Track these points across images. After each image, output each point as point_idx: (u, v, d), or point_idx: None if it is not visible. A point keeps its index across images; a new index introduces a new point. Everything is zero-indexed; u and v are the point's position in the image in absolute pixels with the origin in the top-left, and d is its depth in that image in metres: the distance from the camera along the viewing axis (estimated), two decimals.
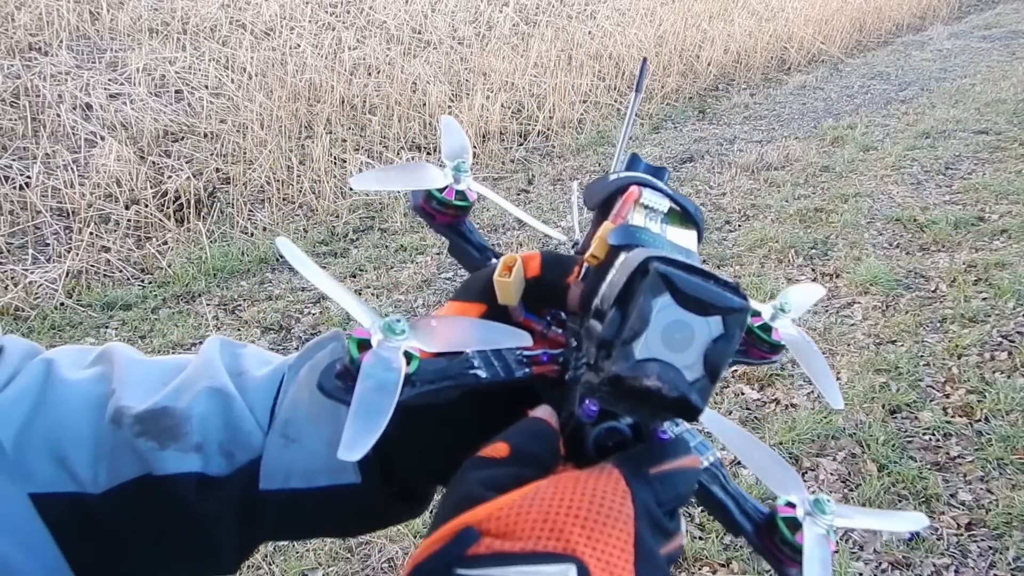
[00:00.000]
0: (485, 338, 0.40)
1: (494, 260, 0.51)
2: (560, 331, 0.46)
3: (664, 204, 0.45)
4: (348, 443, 0.33)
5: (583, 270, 0.44)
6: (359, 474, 0.44)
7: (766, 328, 0.48)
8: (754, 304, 0.49)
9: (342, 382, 0.36)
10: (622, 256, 0.38)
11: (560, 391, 0.41)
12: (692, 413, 0.35)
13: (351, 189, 4.13)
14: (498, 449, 0.36)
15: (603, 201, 0.46)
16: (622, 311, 0.35)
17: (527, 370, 0.42)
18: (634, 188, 0.45)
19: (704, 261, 3.52)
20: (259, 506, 0.44)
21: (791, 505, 0.40)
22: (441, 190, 0.50)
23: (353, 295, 0.39)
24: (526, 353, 0.43)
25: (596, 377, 0.36)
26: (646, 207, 0.44)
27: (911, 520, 0.44)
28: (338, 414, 0.43)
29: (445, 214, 0.51)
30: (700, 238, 0.46)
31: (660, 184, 0.47)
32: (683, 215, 0.45)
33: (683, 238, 0.44)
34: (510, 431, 0.37)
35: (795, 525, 0.39)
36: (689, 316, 0.34)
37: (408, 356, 0.37)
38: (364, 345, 0.36)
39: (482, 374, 0.40)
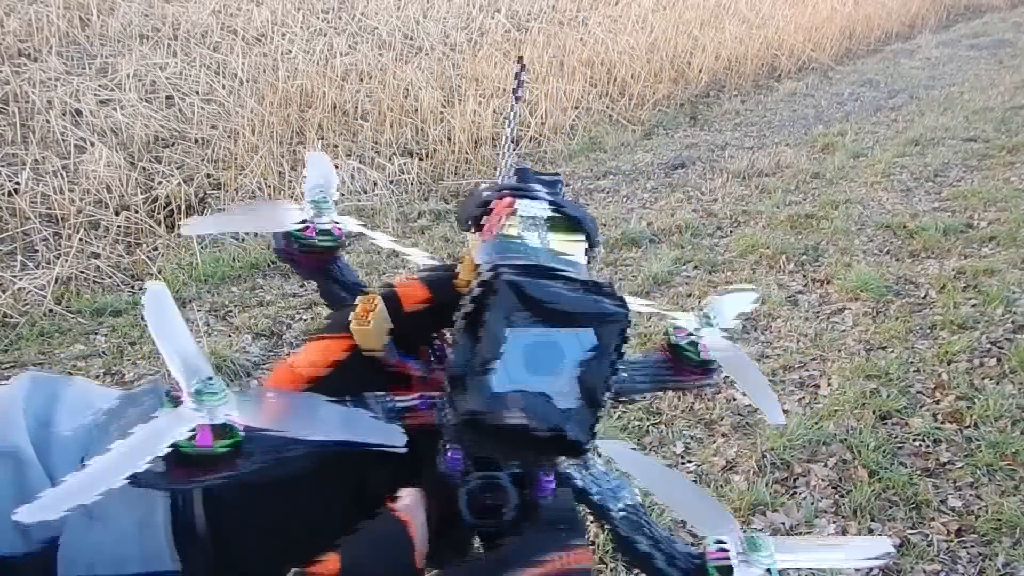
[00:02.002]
0: (340, 426, 0.32)
1: None
2: (443, 370, 0.39)
3: (543, 211, 0.38)
4: (40, 504, 0.27)
5: None
6: (178, 561, 0.37)
7: (693, 344, 0.43)
8: (677, 316, 0.45)
9: (159, 469, 0.29)
10: None
11: (433, 470, 0.35)
12: (574, 450, 0.29)
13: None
14: (328, 567, 0.29)
15: (476, 215, 0.39)
16: (472, 335, 0.29)
17: (397, 423, 0.36)
18: (507, 197, 0.38)
19: (696, 266, 3.55)
20: None
21: (721, 546, 0.35)
22: (301, 229, 0.44)
23: (193, 345, 0.32)
24: (400, 401, 0.36)
25: (454, 419, 0.30)
26: (522, 217, 0.38)
27: (871, 549, 0.37)
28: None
29: (309, 256, 0.44)
30: (592, 246, 0.40)
31: (538, 189, 0.40)
32: (568, 223, 0.39)
33: (568, 247, 0.38)
34: (352, 539, 0.31)
35: (729, 571, 0.34)
36: (553, 332, 0.29)
37: (225, 429, 0.30)
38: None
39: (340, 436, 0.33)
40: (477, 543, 0.37)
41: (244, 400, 0.31)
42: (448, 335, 0.40)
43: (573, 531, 0.31)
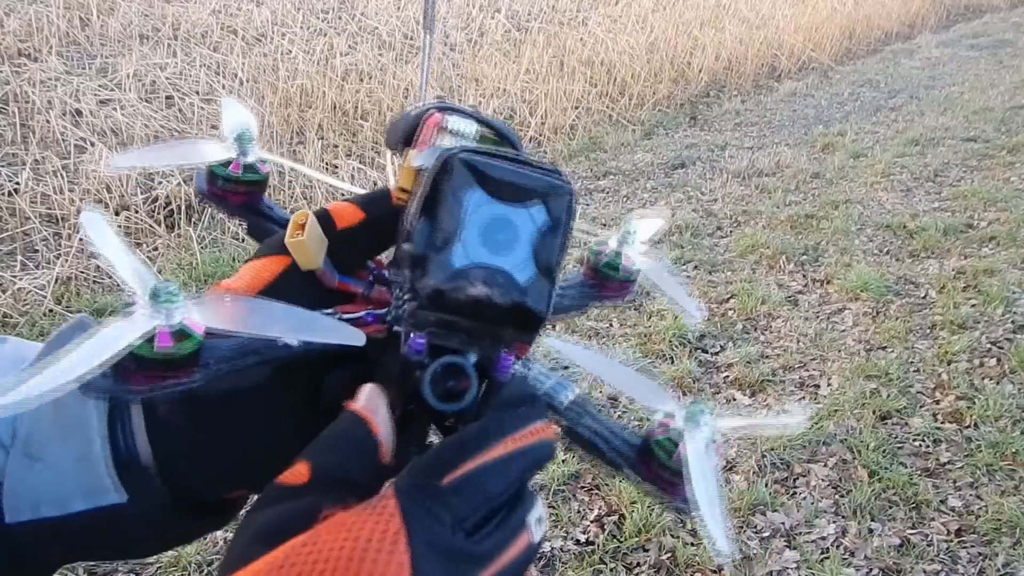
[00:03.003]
0: (296, 326, 0.32)
1: None
2: (385, 289, 0.40)
3: (472, 127, 0.39)
4: (14, 391, 0.27)
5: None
6: (123, 492, 0.36)
7: (613, 265, 0.45)
8: (597, 235, 0.47)
9: (115, 377, 0.29)
10: None
11: (391, 362, 0.35)
12: (532, 320, 0.31)
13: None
14: (298, 473, 0.29)
15: (405, 136, 0.40)
16: (430, 217, 0.30)
17: None
18: (436, 113, 0.39)
19: (696, 266, 3.55)
20: (11, 542, 0.36)
21: (667, 419, 0.36)
22: (225, 166, 0.44)
23: (132, 258, 0.32)
24: (346, 316, 0.37)
25: (417, 303, 0.31)
26: (452, 132, 0.39)
27: (791, 418, 0.39)
28: (89, 423, 0.36)
29: (236, 193, 0.45)
30: None
31: (465, 107, 0.41)
32: (496, 137, 0.40)
33: None
34: (316, 443, 0.30)
35: (673, 445, 0.35)
36: (507, 208, 0.30)
37: (183, 334, 0.29)
38: None
39: (292, 342, 0.33)
40: (434, 438, 0.37)
41: (200, 304, 0.31)
42: (384, 257, 0.41)
43: (533, 409, 0.31)
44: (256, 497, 0.31)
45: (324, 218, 0.39)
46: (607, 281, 0.45)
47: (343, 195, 0.46)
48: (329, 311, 0.37)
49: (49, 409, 0.36)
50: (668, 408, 0.36)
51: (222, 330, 0.31)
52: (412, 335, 0.32)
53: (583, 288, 0.47)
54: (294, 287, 0.37)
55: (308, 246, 0.36)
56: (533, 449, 0.30)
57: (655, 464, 0.35)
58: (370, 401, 0.31)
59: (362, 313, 0.37)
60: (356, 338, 0.33)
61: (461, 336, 0.32)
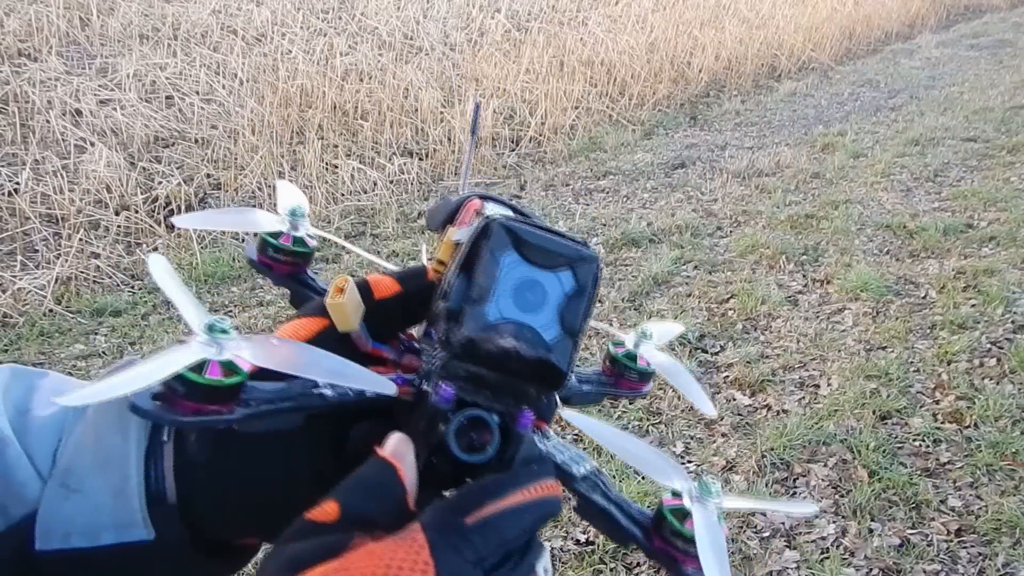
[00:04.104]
0: (334, 371, 0.34)
1: None
2: (414, 357, 0.42)
3: (507, 213, 0.42)
4: (79, 391, 0.29)
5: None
6: (152, 529, 0.37)
7: (632, 357, 0.47)
8: (616, 334, 0.50)
9: (163, 402, 0.31)
10: None
11: (418, 416, 0.37)
12: (554, 376, 0.33)
13: (341, 195, 4.12)
14: (327, 511, 0.30)
15: (447, 217, 0.44)
16: (467, 275, 0.33)
17: None
18: (475, 199, 0.43)
19: (696, 266, 3.55)
20: (39, 569, 0.38)
21: (676, 496, 0.38)
22: (277, 237, 0.48)
23: (190, 296, 0.35)
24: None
25: (448, 354, 0.33)
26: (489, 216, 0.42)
27: (799, 506, 0.41)
28: (128, 459, 0.38)
29: (284, 263, 0.49)
30: None
31: (501, 197, 0.45)
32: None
33: None
34: (344, 484, 0.32)
35: (684, 515, 0.37)
36: (537, 271, 0.33)
37: (231, 368, 0.32)
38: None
39: (328, 393, 0.36)
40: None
41: (249, 342, 0.33)
42: (416, 331, 0.44)
43: (544, 467, 0.34)
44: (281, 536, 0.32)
45: (363, 288, 0.42)
46: (623, 375, 0.48)
47: (379, 269, 0.49)
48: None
49: (91, 442, 0.38)
50: (679, 483, 0.38)
51: (267, 367, 0.32)
52: (442, 385, 0.34)
53: (600, 380, 0.49)
54: (330, 347, 0.39)
55: (347, 309, 0.39)
56: (544, 502, 0.32)
57: (667, 532, 0.37)
58: (398, 448, 0.33)
59: (392, 376, 0.39)
60: (387, 387, 0.35)
61: (487, 393, 0.34)
